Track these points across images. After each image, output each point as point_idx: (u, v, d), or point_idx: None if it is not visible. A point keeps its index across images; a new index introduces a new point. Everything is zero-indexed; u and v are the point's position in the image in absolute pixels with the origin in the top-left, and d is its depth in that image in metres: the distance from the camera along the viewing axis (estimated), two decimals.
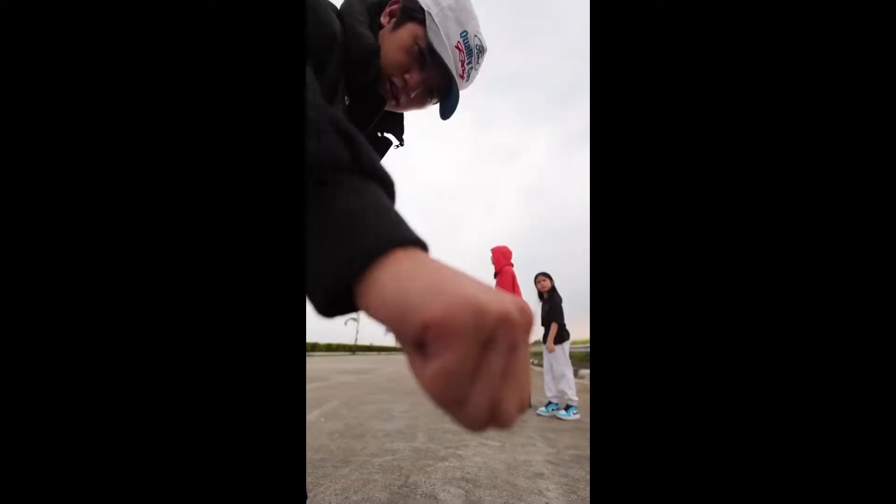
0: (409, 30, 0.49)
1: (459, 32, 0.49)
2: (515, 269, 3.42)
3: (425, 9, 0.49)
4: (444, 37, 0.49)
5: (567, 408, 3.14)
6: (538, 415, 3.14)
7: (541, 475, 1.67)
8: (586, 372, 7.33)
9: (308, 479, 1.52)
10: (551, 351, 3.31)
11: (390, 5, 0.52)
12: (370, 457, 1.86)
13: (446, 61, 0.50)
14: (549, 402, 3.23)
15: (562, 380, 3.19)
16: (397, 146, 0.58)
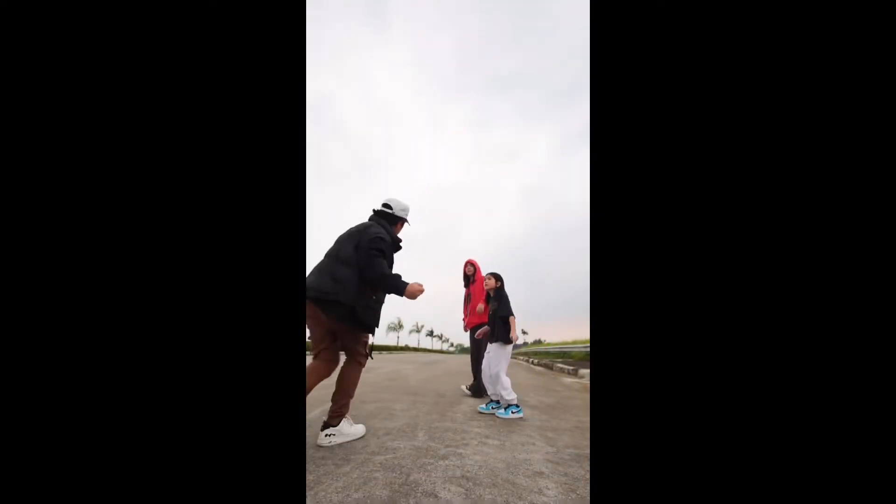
0: (401, 222, 2.43)
1: (406, 216, 2.44)
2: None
3: (403, 216, 2.41)
4: (406, 220, 2.46)
5: (506, 407, 3.06)
6: (479, 412, 3.01)
7: (541, 474, 1.67)
8: (586, 372, 7.32)
9: (309, 477, 1.52)
10: (515, 340, 3.23)
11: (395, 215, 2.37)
12: (371, 455, 1.86)
13: (405, 225, 2.48)
14: (491, 400, 3.13)
15: (497, 382, 3.10)
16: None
